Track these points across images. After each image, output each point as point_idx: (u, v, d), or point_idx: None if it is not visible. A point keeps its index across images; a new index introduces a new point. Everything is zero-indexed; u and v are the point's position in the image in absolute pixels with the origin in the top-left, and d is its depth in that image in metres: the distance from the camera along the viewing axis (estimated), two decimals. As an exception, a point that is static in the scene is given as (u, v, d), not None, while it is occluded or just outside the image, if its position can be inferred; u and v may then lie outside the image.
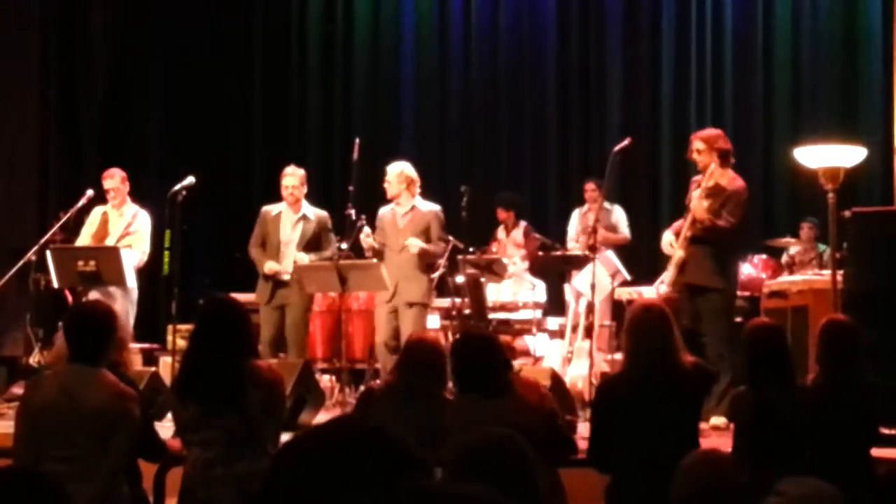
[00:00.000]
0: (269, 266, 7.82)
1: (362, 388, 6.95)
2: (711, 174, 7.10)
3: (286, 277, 7.83)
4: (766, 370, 4.56)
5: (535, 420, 4.29)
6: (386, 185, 7.87)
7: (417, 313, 7.68)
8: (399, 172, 7.85)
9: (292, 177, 7.92)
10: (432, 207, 7.91)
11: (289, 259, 7.85)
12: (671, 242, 7.22)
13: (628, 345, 4.65)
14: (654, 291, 8.09)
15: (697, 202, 7.00)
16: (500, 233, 10.23)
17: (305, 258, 7.80)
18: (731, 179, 7.20)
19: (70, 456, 4.10)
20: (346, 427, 1.79)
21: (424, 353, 4.67)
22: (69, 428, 4.12)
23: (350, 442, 1.71)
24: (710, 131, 7.48)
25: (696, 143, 7.22)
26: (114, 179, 8.25)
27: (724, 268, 7.15)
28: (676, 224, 7.38)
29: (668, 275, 7.24)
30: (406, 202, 7.85)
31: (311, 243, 7.91)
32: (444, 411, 4.53)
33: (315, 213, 8.02)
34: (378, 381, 6.67)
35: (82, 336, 4.30)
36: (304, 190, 7.98)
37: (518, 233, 10.12)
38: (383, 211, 7.95)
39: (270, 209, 8.03)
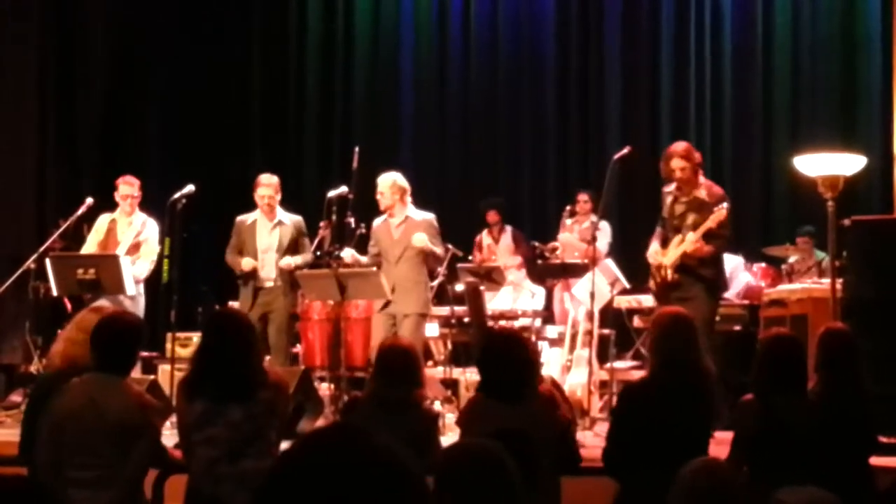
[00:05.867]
0: (246, 262, 7.83)
1: (346, 398, 6.87)
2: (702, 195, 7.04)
3: (269, 284, 7.86)
4: (780, 382, 4.55)
5: (548, 432, 4.29)
6: (379, 196, 7.81)
7: (414, 322, 7.66)
8: (392, 183, 7.80)
9: (268, 186, 7.97)
10: (426, 216, 7.88)
11: (269, 266, 7.88)
12: (657, 253, 7.16)
13: (656, 350, 4.67)
14: (652, 300, 8.08)
15: (691, 239, 6.95)
16: (485, 238, 10.17)
17: (292, 261, 7.84)
18: (708, 188, 7.14)
19: (92, 463, 4.16)
20: (339, 436, 1.79)
21: (396, 358, 4.65)
22: (93, 436, 4.16)
23: (343, 451, 1.71)
24: (684, 145, 7.32)
25: (680, 162, 7.08)
26: (133, 186, 8.24)
27: (715, 273, 7.14)
28: (658, 232, 7.31)
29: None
30: (399, 213, 7.82)
31: (290, 248, 7.94)
32: (425, 418, 4.57)
33: (290, 218, 8.07)
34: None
35: (111, 345, 4.33)
36: (279, 197, 8.03)
37: (507, 238, 10.08)
38: (377, 223, 7.91)
39: (245, 218, 8.07)
